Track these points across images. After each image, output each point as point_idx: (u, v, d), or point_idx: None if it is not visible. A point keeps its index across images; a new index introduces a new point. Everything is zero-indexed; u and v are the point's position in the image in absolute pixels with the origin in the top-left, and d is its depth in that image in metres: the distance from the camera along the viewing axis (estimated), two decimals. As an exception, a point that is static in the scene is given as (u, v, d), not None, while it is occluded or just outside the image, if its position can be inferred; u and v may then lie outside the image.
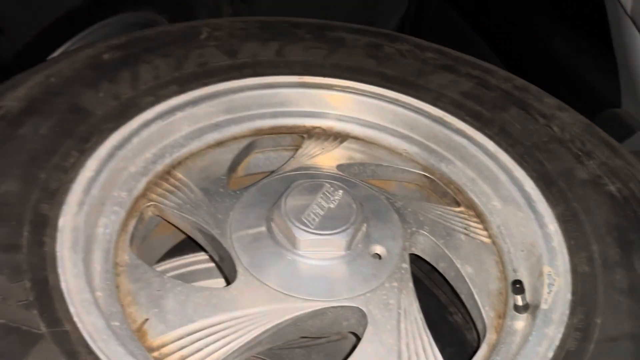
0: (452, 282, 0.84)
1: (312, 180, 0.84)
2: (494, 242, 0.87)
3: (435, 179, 0.98)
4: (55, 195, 0.72)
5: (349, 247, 0.77)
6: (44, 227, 0.68)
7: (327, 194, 0.81)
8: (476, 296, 0.78)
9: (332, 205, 0.79)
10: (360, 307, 0.73)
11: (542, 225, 0.81)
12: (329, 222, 0.77)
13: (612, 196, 0.81)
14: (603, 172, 0.85)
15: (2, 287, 0.59)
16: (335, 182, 0.83)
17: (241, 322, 0.70)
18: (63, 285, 0.63)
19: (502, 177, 0.89)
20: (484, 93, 1.00)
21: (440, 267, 0.85)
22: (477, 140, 0.94)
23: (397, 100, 1.00)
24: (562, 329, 0.66)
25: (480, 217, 0.91)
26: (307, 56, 1.04)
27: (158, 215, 0.87)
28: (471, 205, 0.93)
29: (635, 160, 0.90)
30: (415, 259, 0.90)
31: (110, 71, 0.90)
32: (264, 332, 0.70)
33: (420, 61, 1.06)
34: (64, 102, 0.83)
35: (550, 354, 0.64)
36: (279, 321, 0.70)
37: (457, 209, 0.92)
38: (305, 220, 0.76)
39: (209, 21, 1.07)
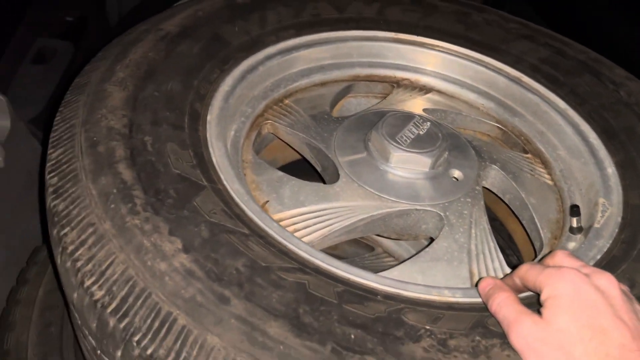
0: (516, 211, 0.98)
1: (405, 112, 0.99)
2: (555, 184, 1.01)
3: (507, 131, 1.11)
4: (203, 99, 0.91)
5: (433, 166, 0.93)
6: (197, 119, 0.87)
7: (417, 124, 0.96)
8: (537, 220, 0.92)
9: (421, 132, 0.95)
10: (439, 212, 0.88)
11: (601, 169, 0.93)
12: (418, 144, 0.93)
13: (668, 149, 0.93)
14: (661, 130, 0.97)
15: (174, 151, 0.78)
16: (423, 116, 0.99)
17: (342, 211, 0.87)
18: (214, 159, 0.81)
19: (569, 130, 1.02)
20: (560, 60, 1.13)
21: (507, 198, 1.00)
22: (549, 98, 1.07)
23: (479, 60, 1.14)
24: (610, 241, 0.80)
25: (545, 163, 1.04)
26: (404, 17, 1.20)
27: (272, 133, 1.05)
28: (538, 154, 1.06)
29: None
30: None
31: (243, 12, 1.09)
32: (359, 221, 0.86)
33: (504, 30, 1.20)
34: (209, 32, 1.03)
35: (598, 257, 0.77)
36: (371, 214, 0.87)
37: (526, 155, 1.06)
38: (399, 140, 0.92)
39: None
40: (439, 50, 1.17)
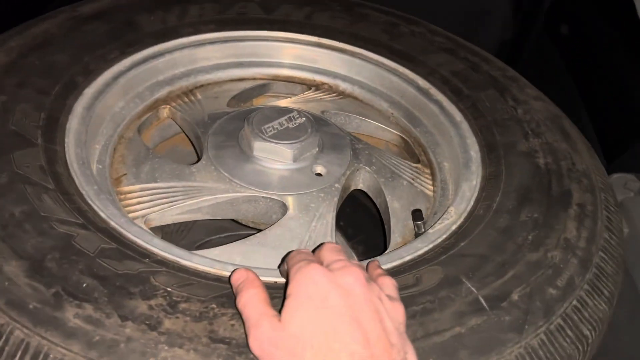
0: (382, 214, 0.96)
1: (282, 107, 1.01)
2: (434, 194, 0.98)
3: (409, 141, 1.10)
4: (89, 74, 0.97)
5: (294, 159, 0.93)
6: (73, 89, 0.92)
7: (292, 118, 0.97)
8: (392, 224, 0.90)
9: (291, 126, 0.96)
10: (284, 202, 0.88)
11: (469, 180, 0.90)
12: (282, 136, 0.93)
13: (537, 166, 0.88)
14: (542, 149, 0.92)
15: (23, 111, 0.83)
16: (303, 111, 1.00)
17: (189, 190, 0.89)
18: (68, 125, 0.86)
19: (456, 142, 0.99)
20: (471, 74, 1.10)
21: (378, 201, 0.98)
22: (448, 110, 1.04)
23: (395, 69, 1.14)
24: (430, 245, 0.77)
25: (432, 174, 1.02)
26: (331, 23, 1.22)
27: (171, 118, 1.09)
28: (429, 164, 1.04)
29: (586, 150, 0.95)
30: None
31: (165, 3, 1.15)
32: (203, 201, 0.88)
33: (428, 42, 1.19)
34: (123, 17, 1.09)
35: (409, 257, 0.75)
36: (216, 196, 0.88)
37: (415, 164, 1.03)
38: (264, 130, 0.94)
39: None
40: (358, 58, 1.17)
